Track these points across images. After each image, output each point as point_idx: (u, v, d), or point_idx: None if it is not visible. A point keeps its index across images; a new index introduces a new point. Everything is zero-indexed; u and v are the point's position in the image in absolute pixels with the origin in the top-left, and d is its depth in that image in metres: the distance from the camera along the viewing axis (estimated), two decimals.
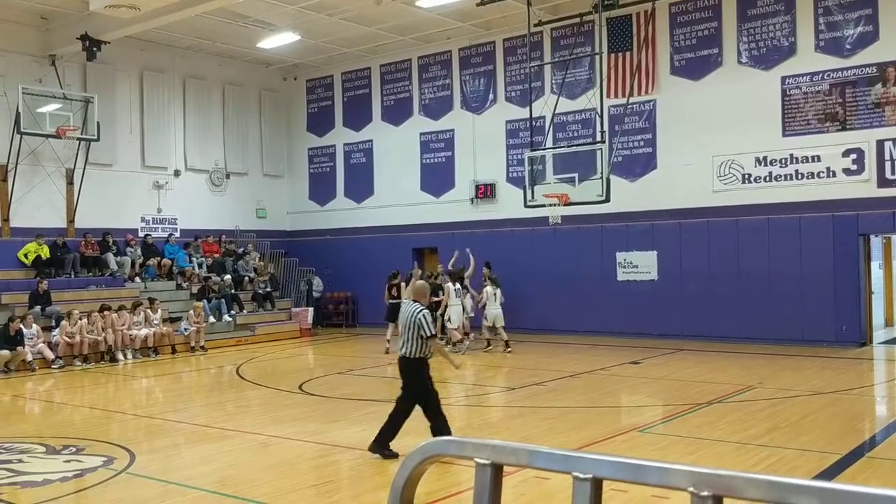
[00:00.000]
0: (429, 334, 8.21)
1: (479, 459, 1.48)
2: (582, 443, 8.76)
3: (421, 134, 22.49)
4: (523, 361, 15.32)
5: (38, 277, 17.81)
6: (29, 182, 19.26)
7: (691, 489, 1.25)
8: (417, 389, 8.27)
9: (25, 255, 18.57)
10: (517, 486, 6.51)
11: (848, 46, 16.31)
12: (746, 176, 17.35)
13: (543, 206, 17.32)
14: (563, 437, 9.01)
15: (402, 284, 18.13)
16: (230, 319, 20.14)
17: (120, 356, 16.96)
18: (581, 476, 1.35)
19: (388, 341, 17.53)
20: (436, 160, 22.25)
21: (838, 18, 16.39)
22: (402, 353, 8.34)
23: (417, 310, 8.25)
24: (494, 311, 16.83)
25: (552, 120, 18.97)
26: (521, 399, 12.22)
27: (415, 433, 9.55)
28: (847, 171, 16.25)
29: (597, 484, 1.36)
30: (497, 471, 1.47)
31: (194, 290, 20.42)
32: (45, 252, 18.66)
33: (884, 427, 9.63)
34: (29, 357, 15.61)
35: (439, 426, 8.15)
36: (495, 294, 16.96)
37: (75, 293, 18.50)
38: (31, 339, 15.91)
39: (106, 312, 17.04)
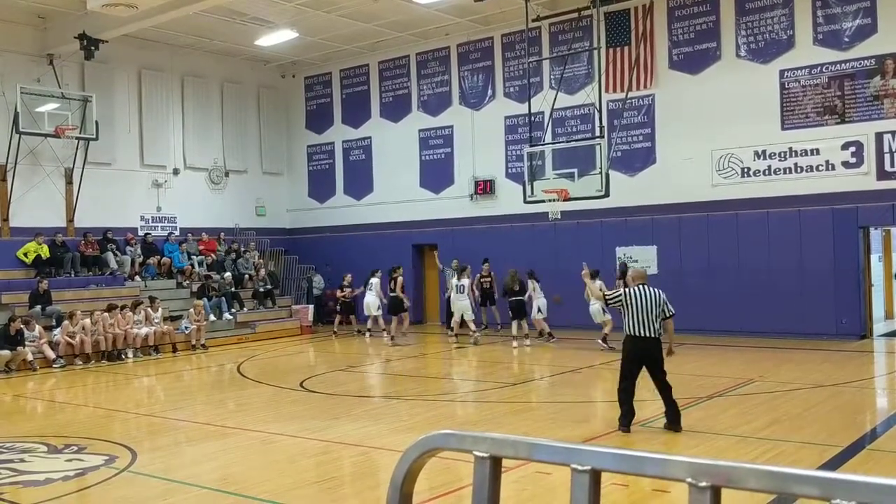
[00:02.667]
0: (672, 313, 8.69)
1: (478, 453, 1.49)
2: (583, 437, 8.76)
3: (420, 130, 22.49)
4: (523, 357, 15.33)
5: (39, 277, 17.81)
6: (28, 182, 19.26)
7: (690, 480, 1.26)
8: (662, 366, 8.65)
9: (25, 255, 18.57)
10: (518, 481, 6.51)
11: (846, 39, 16.30)
12: (746, 170, 17.35)
13: (543, 201, 17.31)
14: (564, 432, 9.02)
15: (400, 279, 18.43)
16: (230, 317, 20.15)
17: (122, 355, 16.97)
18: (579, 468, 1.35)
19: (393, 336, 17.84)
20: (435, 156, 22.25)
21: (836, 11, 16.38)
22: (649, 334, 8.52)
23: (661, 292, 8.66)
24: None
25: (551, 115, 18.95)
26: (522, 394, 12.24)
27: (413, 429, 9.56)
28: (846, 164, 16.25)
29: (595, 475, 1.37)
30: (496, 464, 1.48)
31: (194, 288, 20.43)
32: (44, 251, 18.67)
33: (885, 419, 9.64)
34: (30, 357, 15.61)
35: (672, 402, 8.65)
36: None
37: (76, 292, 18.51)
38: (34, 340, 15.93)
39: (113, 311, 17.04)
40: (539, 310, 17.46)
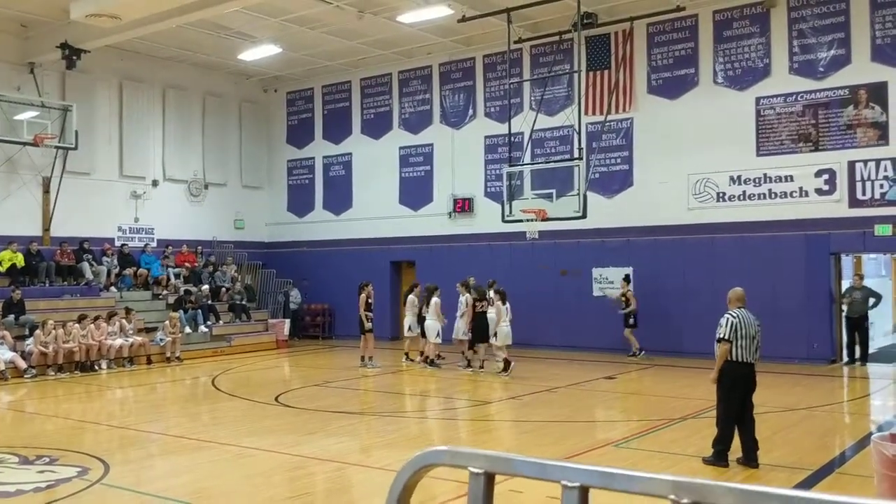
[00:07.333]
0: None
1: (473, 468, 1.56)
2: (558, 457, 8.82)
3: (400, 148, 22.59)
4: (499, 376, 15.37)
5: (12, 286, 17.64)
6: (5, 189, 19.11)
7: (672, 497, 1.34)
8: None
9: (0, 263, 18.39)
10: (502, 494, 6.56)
11: (821, 69, 16.64)
12: (721, 194, 17.60)
13: (521, 220, 17.45)
14: (539, 451, 9.07)
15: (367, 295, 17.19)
16: (206, 330, 20.05)
17: (96, 366, 16.84)
18: (569, 484, 1.43)
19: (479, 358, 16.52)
20: (414, 174, 22.35)
21: (812, 41, 16.72)
22: (753, 359, 8.42)
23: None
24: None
25: (531, 136, 19.15)
26: (498, 413, 12.29)
27: (389, 445, 9.59)
28: (819, 191, 16.54)
29: (583, 492, 1.45)
30: (490, 479, 1.55)
31: (171, 300, 20.32)
32: (19, 260, 18.49)
33: (854, 443, 9.79)
34: (1, 366, 15.45)
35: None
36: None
37: (50, 302, 18.33)
38: (1, 344, 15.79)
39: (84, 322, 16.91)
40: (409, 328, 17.16)
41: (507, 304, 15.90)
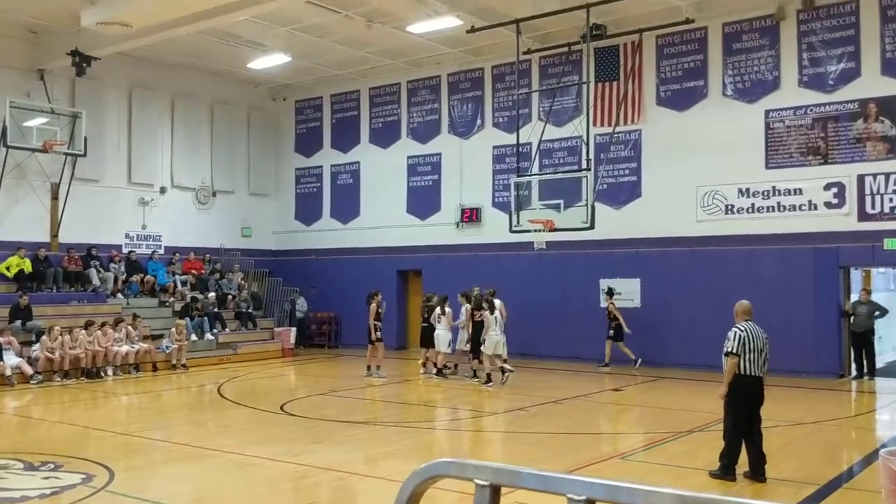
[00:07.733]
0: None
1: (479, 481, 1.54)
2: (564, 469, 8.77)
3: (408, 157, 22.62)
4: (505, 386, 15.33)
5: (20, 292, 17.69)
6: (13, 196, 19.19)
7: None
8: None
9: (7, 269, 18.45)
10: None
11: (831, 82, 16.60)
12: (730, 207, 17.55)
13: (528, 231, 17.41)
14: (545, 464, 9.03)
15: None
16: (212, 338, 20.05)
17: (102, 372, 16.85)
18: (576, 497, 1.41)
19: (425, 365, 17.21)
20: (422, 183, 22.36)
21: (821, 54, 16.69)
22: (761, 373, 8.38)
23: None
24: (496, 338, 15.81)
25: (539, 146, 19.12)
26: (503, 424, 12.25)
27: (393, 456, 9.56)
28: (828, 205, 16.47)
29: None
30: (495, 492, 1.53)
31: (177, 307, 20.34)
32: (27, 266, 18.55)
33: (861, 458, 9.72)
34: (7, 372, 15.48)
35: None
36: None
37: (57, 308, 18.37)
38: (8, 349, 15.81)
39: (90, 328, 16.93)
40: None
41: (496, 315, 15.80)
